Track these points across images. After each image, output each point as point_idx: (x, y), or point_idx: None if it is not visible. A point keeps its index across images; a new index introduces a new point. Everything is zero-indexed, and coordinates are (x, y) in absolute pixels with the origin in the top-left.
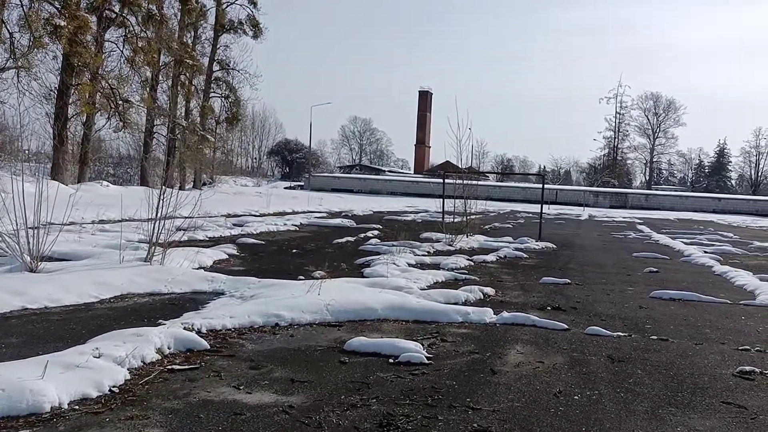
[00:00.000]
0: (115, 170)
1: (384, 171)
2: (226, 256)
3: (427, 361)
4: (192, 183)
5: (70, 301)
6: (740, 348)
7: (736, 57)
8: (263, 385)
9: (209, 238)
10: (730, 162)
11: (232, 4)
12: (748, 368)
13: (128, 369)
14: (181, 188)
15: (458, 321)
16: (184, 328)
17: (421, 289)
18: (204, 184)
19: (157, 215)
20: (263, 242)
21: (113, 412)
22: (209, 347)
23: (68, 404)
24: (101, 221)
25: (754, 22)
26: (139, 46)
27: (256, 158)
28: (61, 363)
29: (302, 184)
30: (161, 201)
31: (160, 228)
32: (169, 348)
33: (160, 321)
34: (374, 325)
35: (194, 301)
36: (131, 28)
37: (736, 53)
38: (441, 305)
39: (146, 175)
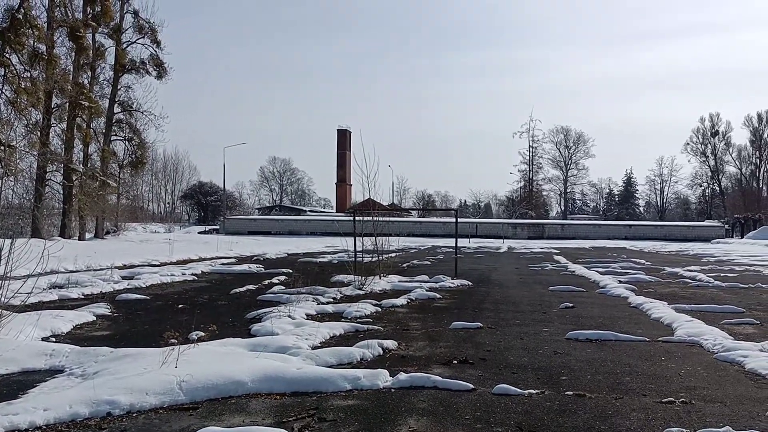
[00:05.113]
0: (2, 222)
1: (305, 211)
2: (93, 318)
3: None
4: (94, 232)
5: None
6: (664, 400)
7: (637, 91)
8: None
9: (84, 295)
10: (637, 190)
11: (132, 43)
12: (675, 430)
13: None
14: (80, 238)
15: (346, 389)
16: None
17: (312, 348)
18: (107, 232)
19: None
20: (148, 297)
21: None
22: None
23: None
24: None
25: (649, 62)
26: (23, 87)
27: (169, 203)
28: None
29: (218, 227)
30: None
31: None
32: None
33: None
34: (239, 404)
35: (18, 384)
36: (12, 68)
37: (638, 88)
38: (327, 371)
39: (39, 226)
